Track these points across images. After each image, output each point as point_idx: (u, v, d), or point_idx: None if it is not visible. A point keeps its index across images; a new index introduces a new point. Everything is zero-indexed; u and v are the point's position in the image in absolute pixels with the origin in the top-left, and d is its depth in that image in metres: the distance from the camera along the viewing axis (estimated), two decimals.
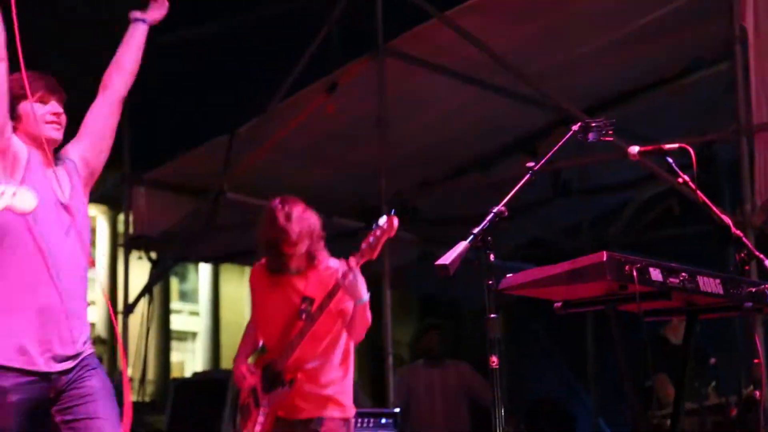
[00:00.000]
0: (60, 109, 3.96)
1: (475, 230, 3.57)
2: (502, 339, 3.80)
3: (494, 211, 3.61)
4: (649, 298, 3.76)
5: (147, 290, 11.00)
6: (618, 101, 9.33)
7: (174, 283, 25.63)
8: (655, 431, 7.58)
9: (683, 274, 3.77)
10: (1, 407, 3.59)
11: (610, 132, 4.00)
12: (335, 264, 5.25)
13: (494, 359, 3.64)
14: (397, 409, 6.91)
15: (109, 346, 20.79)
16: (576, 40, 8.46)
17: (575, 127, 3.95)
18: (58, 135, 3.95)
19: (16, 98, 3.86)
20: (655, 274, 3.67)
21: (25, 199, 3.51)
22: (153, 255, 11.33)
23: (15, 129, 3.85)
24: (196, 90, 10.35)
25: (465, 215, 9.78)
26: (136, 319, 12.32)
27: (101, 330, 22.05)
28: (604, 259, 3.57)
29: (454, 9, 8.26)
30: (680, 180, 4.20)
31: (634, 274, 3.57)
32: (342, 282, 5.01)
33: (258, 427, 5.24)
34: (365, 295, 5.12)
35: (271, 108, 8.84)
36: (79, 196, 3.95)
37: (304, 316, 5.16)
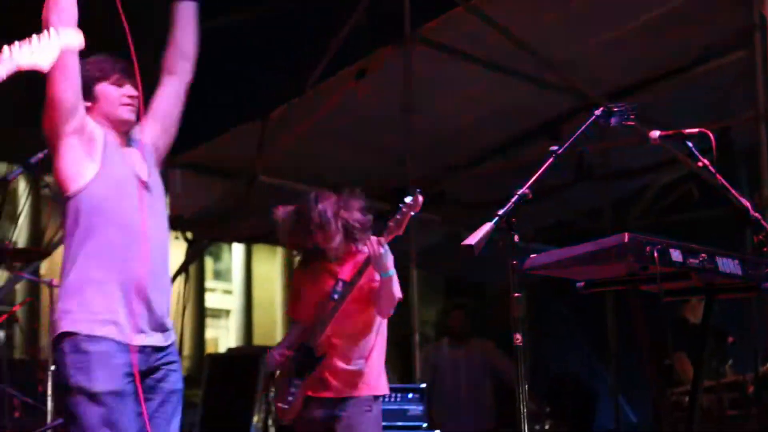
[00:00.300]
0: (135, 92, 3.90)
1: (500, 212, 3.57)
2: (525, 318, 3.79)
3: (519, 193, 3.60)
4: (669, 279, 3.76)
5: (183, 269, 11.07)
6: (637, 88, 9.26)
7: (208, 263, 25.62)
8: (674, 408, 7.56)
9: (703, 255, 3.76)
10: (108, 367, 3.60)
11: (632, 117, 3.98)
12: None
13: (518, 337, 3.63)
14: (424, 385, 6.91)
15: None
16: (598, 27, 8.41)
17: (598, 112, 3.93)
18: (132, 116, 3.91)
19: (93, 80, 3.85)
20: (676, 255, 3.66)
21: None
22: (188, 235, 11.39)
23: (90, 110, 3.82)
24: (231, 75, 10.33)
25: (489, 199, 9.79)
26: (173, 298, 12.38)
27: None
28: (626, 240, 3.57)
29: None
30: (700, 164, 4.18)
31: (655, 255, 3.57)
32: (370, 253, 5.04)
33: (287, 405, 5.29)
34: (391, 269, 5.10)
35: (303, 93, 8.84)
36: (155, 175, 3.95)
37: (336, 296, 5.17)
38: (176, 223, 11.37)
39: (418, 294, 8.76)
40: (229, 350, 19.30)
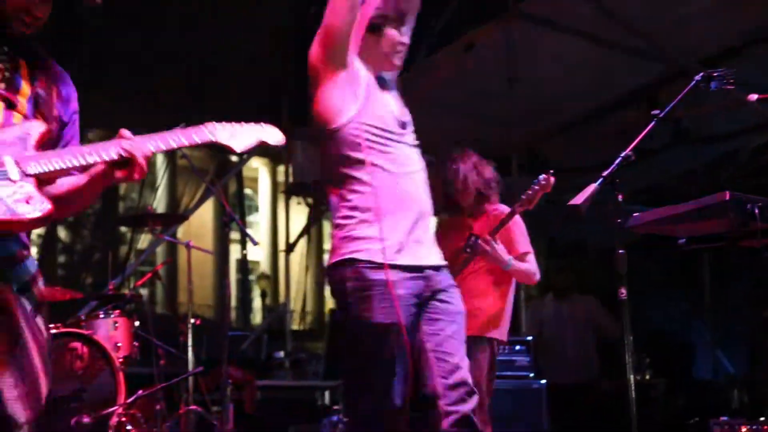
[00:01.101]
0: (407, 41, 3.72)
1: (605, 173, 3.52)
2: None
3: (623, 155, 3.55)
4: None
5: (306, 231, 11.17)
6: (729, 55, 9.01)
7: (326, 226, 25.88)
8: None
9: None
10: (387, 299, 3.39)
11: (731, 81, 3.87)
12: (504, 208, 5.31)
13: (623, 291, 3.58)
14: (530, 338, 6.87)
15: (272, 280, 21.14)
16: None
17: (698, 77, 3.83)
18: (401, 63, 3.74)
19: (386, 20, 3.64)
20: None
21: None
22: (309, 201, 11.48)
23: (365, 48, 3.64)
24: None
25: (586, 163, 9.68)
26: (295, 258, 12.55)
27: (265, 266, 22.45)
28: (727, 198, 3.50)
29: None
30: None
31: (756, 211, 3.47)
32: (484, 254, 5.11)
33: None
34: (508, 262, 5.14)
35: (414, 66, 8.82)
36: (407, 114, 3.76)
37: (468, 249, 5.17)
38: (299, 189, 11.51)
39: None
40: None
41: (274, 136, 3.05)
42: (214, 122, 2.92)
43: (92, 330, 5.98)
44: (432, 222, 3.67)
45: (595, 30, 8.49)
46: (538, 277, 5.37)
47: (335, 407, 8.03)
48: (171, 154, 15.27)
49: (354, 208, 3.48)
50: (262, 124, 3.05)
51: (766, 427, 6.09)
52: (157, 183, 14.36)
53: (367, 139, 3.49)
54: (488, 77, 8.85)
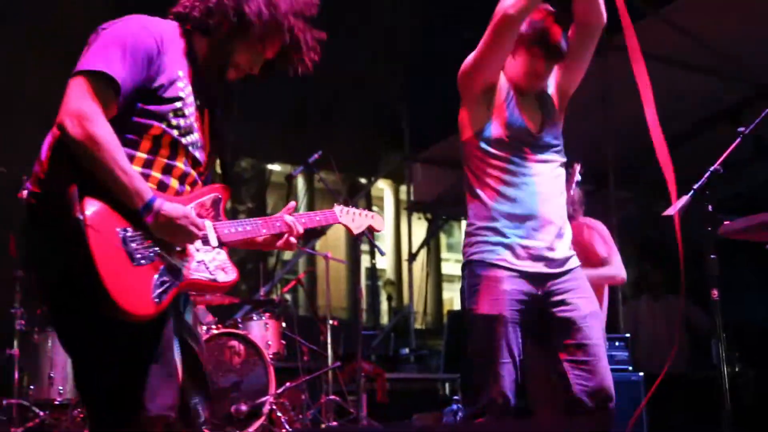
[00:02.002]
0: (545, 68, 3.52)
1: (696, 186, 3.46)
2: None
3: (711, 169, 3.48)
4: None
5: (425, 243, 11.18)
6: None
7: (443, 238, 25.85)
8: None
9: None
10: (498, 293, 3.30)
11: None
12: (591, 221, 5.25)
13: (715, 292, 3.50)
14: (627, 335, 6.74)
15: (397, 285, 21.21)
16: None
17: None
18: (535, 85, 3.54)
19: (530, 40, 3.43)
20: None
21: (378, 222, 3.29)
22: (428, 216, 11.50)
23: (512, 63, 3.48)
24: (452, 76, 10.29)
25: (677, 178, 9.46)
26: (417, 266, 12.56)
27: (390, 273, 22.53)
28: None
29: (666, 7, 8.01)
30: None
31: None
32: None
33: None
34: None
35: None
36: (552, 127, 3.57)
37: None
38: (418, 207, 11.53)
39: None
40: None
41: (379, 224, 3.25)
42: (342, 206, 3.14)
43: (247, 330, 6.09)
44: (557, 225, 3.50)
45: (685, 57, 8.34)
46: (622, 277, 5.19)
47: (455, 397, 7.99)
48: (310, 179, 15.36)
49: (478, 214, 3.51)
50: (373, 214, 3.25)
51: None
52: (299, 203, 14.55)
53: (489, 152, 3.46)
54: (586, 101, 8.74)
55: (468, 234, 3.45)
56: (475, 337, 3.32)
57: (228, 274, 2.62)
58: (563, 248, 3.44)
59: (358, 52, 10.68)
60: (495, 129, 3.43)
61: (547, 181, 3.46)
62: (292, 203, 2.91)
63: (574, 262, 3.46)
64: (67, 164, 2.36)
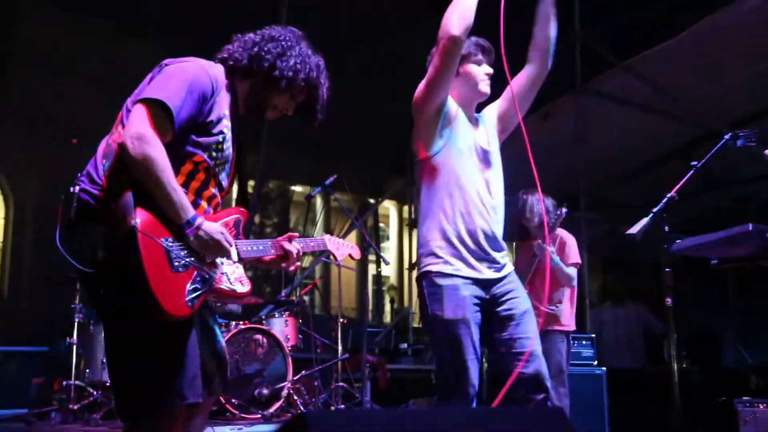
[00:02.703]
0: (491, 70, 3.38)
1: (655, 210, 3.47)
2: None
3: (668, 196, 3.49)
4: None
5: None
6: (752, 120, 8.71)
7: None
8: None
9: None
10: (459, 298, 3.17)
11: (754, 139, 3.74)
12: (562, 231, 5.34)
13: (668, 300, 3.50)
14: (593, 335, 6.73)
15: (399, 290, 21.16)
16: (724, 74, 8.00)
17: (727, 136, 3.72)
18: (488, 91, 3.40)
19: (462, 58, 3.30)
20: None
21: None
22: None
23: (453, 86, 3.33)
24: None
25: (638, 202, 9.46)
26: (416, 273, 12.47)
27: (393, 280, 22.47)
28: (750, 228, 3.38)
29: (632, 59, 8.06)
30: None
31: None
32: (541, 251, 5.10)
33: None
34: (555, 259, 5.11)
35: None
36: (495, 144, 3.45)
37: (536, 252, 5.20)
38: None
39: (587, 270, 8.63)
40: None
41: (356, 253, 3.24)
42: (331, 236, 3.17)
43: (270, 326, 6.09)
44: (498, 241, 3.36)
45: (646, 102, 8.36)
46: (574, 283, 5.25)
47: None
48: (326, 198, 15.31)
49: (430, 227, 3.39)
50: (353, 245, 3.26)
51: None
52: (317, 219, 14.56)
53: (444, 170, 3.31)
54: (561, 138, 8.76)
55: (423, 245, 3.28)
56: (443, 339, 3.17)
57: (244, 286, 2.63)
58: (503, 255, 3.35)
59: (371, 92, 10.76)
60: (447, 148, 3.29)
61: (492, 194, 3.33)
62: (296, 233, 2.90)
63: (510, 266, 3.37)
64: (124, 177, 2.35)
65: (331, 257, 3.19)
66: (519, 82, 3.43)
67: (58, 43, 13.08)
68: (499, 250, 3.31)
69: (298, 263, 2.84)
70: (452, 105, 3.34)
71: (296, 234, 2.90)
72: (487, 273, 3.24)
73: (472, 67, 3.36)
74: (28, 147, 12.33)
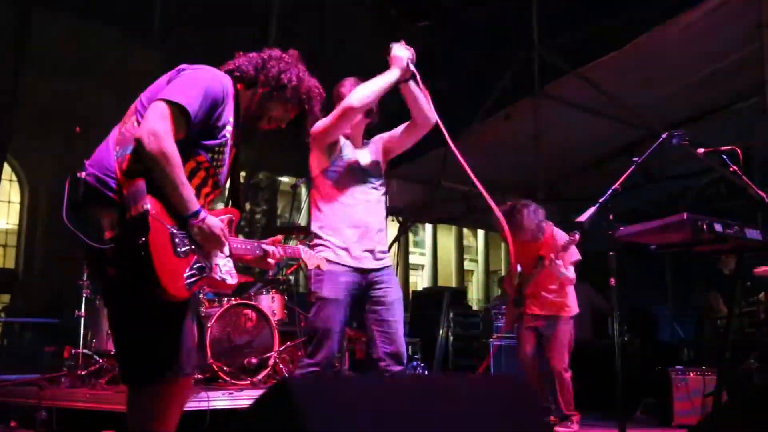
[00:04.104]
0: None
1: (601, 200, 3.49)
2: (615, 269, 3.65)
3: (613, 188, 3.51)
4: (713, 243, 3.56)
5: (396, 240, 11.14)
6: (686, 123, 8.79)
7: (410, 236, 25.86)
8: (714, 332, 7.22)
9: (736, 227, 3.53)
10: (336, 283, 3.42)
11: (687, 139, 3.80)
12: (558, 231, 5.60)
13: (613, 280, 3.53)
14: None
15: None
16: (662, 82, 8.08)
17: (664, 135, 3.77)
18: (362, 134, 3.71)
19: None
20: (718, 227, 3.47)
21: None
22: (399, 219, 11.47)
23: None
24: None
25: (589, 195, 9.50)
26: (390, 256, 12.46)
27: None
28: (685, 217, 3.41)
29: (584, 67, 8.12)
30: (731, 169, 3.94)
31: (704, 227, 3.38)
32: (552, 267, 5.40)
33: (508, 321, 5.86)
34: (562, 273, 5.43)
35: (472, 128, 8.82)
36: (376, 164, 3.66)
37: (538, 267, 5.53)
38: (393, 211, 11.48)
39: None
40: (424, 288, 19.33)
41: (324, 265, 3.28)
42: (305, 247, 3.23)
43: (258, 302, 6.05)
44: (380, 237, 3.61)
45: (596, 106, 8.41)
46: (573, 279, 5.57)
47: (415, 356, 7.99)
48: (310, 188, 15.26)
49: (321, 227, 3.63)
50: (323, 258, 3.30)
51: (708, 373, 5.94)
52: (302, 206, 14.52)
53: (332, 185, 3.56)
54: (521, 137, 8.79)
55: (316, 237, 3.56)
56: (318, 312, 3.43)
57: (233, 278, 2.62)
58: (382, 250, 3.59)
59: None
60: (335, 168, 3.54)
61: (372, 202, 3.58)
62: (279, 237, 2.95)
63: (388, 260, 3.62)
64: (140, 167, 2.33)
65: (302, 264, 3.28)
66: (402, 131, 3.68)
67: (69, 46, 12.93)
68: (381, 242, 3.58)
69: (273, 262, 2.85)
70: (341, 138, 3.59)
71: (280, 238, 2.94)
72: (366, 263, 3.51)
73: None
74: (42, 138, 12.22)
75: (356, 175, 3.58)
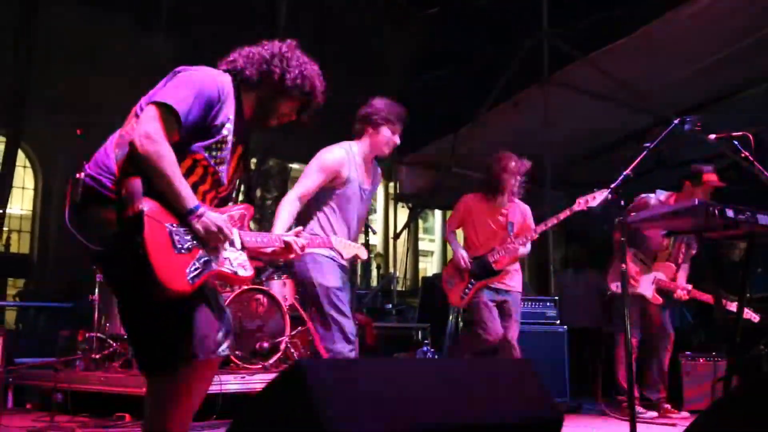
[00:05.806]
0: (399, 141, 4.06)
1: (612, 185, 3.46)
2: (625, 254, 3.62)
3: (624, 173, 3.48)
4: (725, 228, 3.52)
5: (407, 226, 11.13)
6: (697, 108, 8.71)
7: (420, 222, 25.84)
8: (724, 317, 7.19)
9: (747, 212, 3.50)
10: (333, 272, 3.90)
11: (699, 125, 3.76)
12: (520, 203, 5.41)
13: (623, 266, 3.51)
14: (556, 297, 6.78)
15: (385, 257, 21.21)
16: (672, 68, 8.00)
17: (676, 121, 3.73)
18: (388, 155, 4.14)
19: (383, 120, 3.99)
20: (730, 213, 3.43)
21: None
22: (409, 205, 11.46)
23: (364, 135, 4.07)
24: (438, 111, 10.19)
25: (598, 180, 9.46)
26: (400, 242, 12.52)
27: (380, 248, 22.53)
28: (696, 203, 3.38)
29: (594, 54, 8.07)
30: (743, 155, 3.90)
31: (716, 212, 3.35)
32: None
33: (465, 296, 5.38)
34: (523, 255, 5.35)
35: (480, 116, 8.78)
36: (374, 187, 4.18)
37: (510, 231, 5.27)
38: (402, 198, 11.49)
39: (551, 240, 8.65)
40: (434, 275, 19.29)
41: (363, 253, 3.58)
42: (336, 236, 3.58)
43: (269, 287, 6.06)
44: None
45: (605, 92, 8.35)
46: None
47: (425, 341, 8.00)
48: None
49: (321, 227, 4.04)
50: (360, 246, 3.60)
51: (718, 359, 5.93)
52: None
53: (338, 199, 4.00)
54: (530, 123, 8.74)
55: (313, 235, 3.80)
56: (324, 298, 3.80)
57: (246, 271, 2.61)
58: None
59: (358, 81, 10.69)
60: (340, 188, 3.98)
61: (359, 211, 4.01)
62: (300, 228, 3.06)
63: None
64: (135, 168, 2.35)
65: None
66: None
67: (80, 35, 12.92)
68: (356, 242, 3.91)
69: (296, 255, 2.88)
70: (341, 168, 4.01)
71: (301, 229, 2.98)
72: (346, 260, 3.90)
73: (387, 131, 3.99)
74: (55, 126, 12.23)
75: (356, 193, 4.06)
